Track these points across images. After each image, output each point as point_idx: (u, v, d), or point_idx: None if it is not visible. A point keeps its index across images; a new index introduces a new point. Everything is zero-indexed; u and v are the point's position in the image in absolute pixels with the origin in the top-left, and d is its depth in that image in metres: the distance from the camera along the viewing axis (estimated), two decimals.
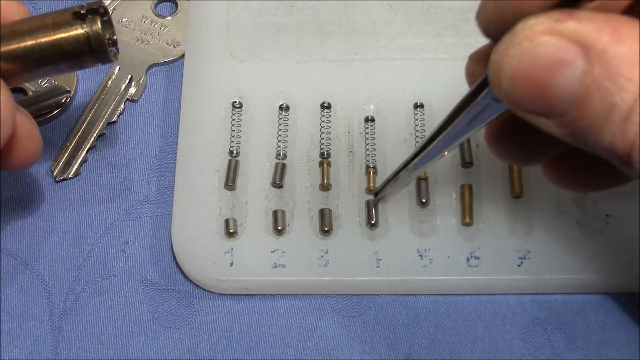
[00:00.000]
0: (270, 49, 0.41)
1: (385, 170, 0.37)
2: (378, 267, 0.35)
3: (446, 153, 0.30)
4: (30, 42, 0.29)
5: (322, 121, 0.38)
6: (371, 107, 0.39)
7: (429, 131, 0.38)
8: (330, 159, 0.37)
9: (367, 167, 0.37)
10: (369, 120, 0.39)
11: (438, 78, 0.39)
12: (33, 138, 0.31)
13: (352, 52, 0.40)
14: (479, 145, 0.38)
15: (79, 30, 0.29)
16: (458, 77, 0.38)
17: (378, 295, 0.35)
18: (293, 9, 0.42)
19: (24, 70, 0.30)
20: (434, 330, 0.35)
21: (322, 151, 0.38)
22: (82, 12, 0.29)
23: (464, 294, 0.35)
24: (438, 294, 0.35)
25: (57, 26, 0.29)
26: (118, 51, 0.31)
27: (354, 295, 0.36)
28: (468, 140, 0.38)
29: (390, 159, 0.37)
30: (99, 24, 0.29)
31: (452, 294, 0.35)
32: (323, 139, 0.38)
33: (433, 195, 0.36)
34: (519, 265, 0.35)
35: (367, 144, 0.38)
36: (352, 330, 0.35)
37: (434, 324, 0.35)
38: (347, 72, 0.39)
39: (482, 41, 0.40)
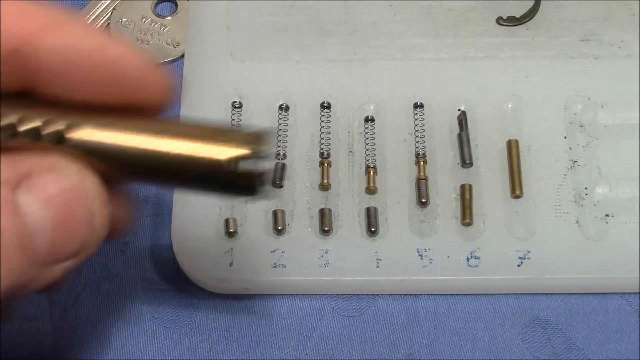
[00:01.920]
0: (270, 49, 0.41)
1: (385, 170, 0.38)
2: (378, 267, 0.35)
3: None
4: (171, 152, 0.23)
5: (322, 121, 0.38)
6: (371, 107, 0.39)
7: (429, 131, 0.38)
8: (330, 159, 0.37)
9: (367, 167, 0.37)
10: (369, 120, 0.38)
11: (438, 78, 0.39)
12: (126, 223, 0.26)
13: (352, 52, 0.40)
14: (478, 145, 0.38)
15: (233, 167, 0.23)
16: (458, 77, 0.40)
17: (378, 295, 0.35)
18: (293, 9, 0.42)
19: (143, 178, 0.25)
20: (434, 330, 0.35)
21: (322, 151, 0.38)
22: (244, 152, 0.23)
23: (464, 294, 0.35)
24: (438, 294, 0.35)
25: (208, 148, 0.23)
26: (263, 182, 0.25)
27: (353, 295, 0.35)
28: (468, 141, 0.38)
29: (390, 158, 0.38)
30: (260, 169, 0.24)
31: (452, 294, 0.35)
32: (323, 139, 0.38)
33: (433, 195, 0.36)
34: (519, 265, 0.35)
35: (367, 144, 0.38)
36: (352, 330, 0.35)
37: (434, 324, 0.35)
38: (347, 72, 0.39)
39: (481, 41, 0.41)
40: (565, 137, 0.38)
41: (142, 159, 0.23)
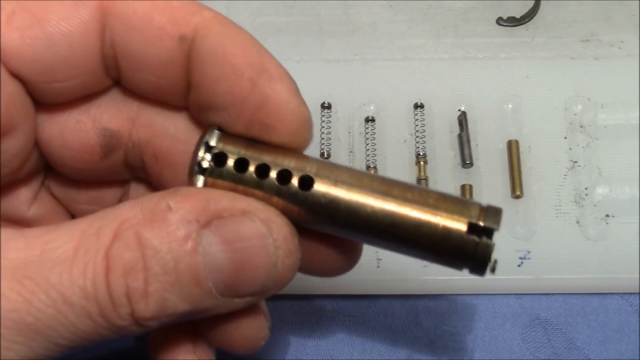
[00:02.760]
0: (270, 49, 0.40)
1: (386, 170, 0.37)
2: (378, 267, 0.35)
3: None
4: (412, 216, 0.23)
5: (323, 121, 0.39)
6: (371, 107, 0.39)
7: (429, 131, 0.38)
8: (330, 159, 0.38)
9: (368, 166, 0.37)
10: (369, 120, 0.39)
11: (438, 78, 0.40)
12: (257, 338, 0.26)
13: (353, 53, 0.40)
14: (478, 146, 0.38)
15: (469, 238, 0.23)
16: (458, 77, 0.40)
17: (378, 295, 0.35)
18: (293, 9, 0.42)
19: (368, 237, 0.24)
20: (434, 330, 0.35)
21: (322, 151, 0.38)
22: (480, 224, 0.23)
23: (464, 294, 0.36)
24: (438, 294, 0.36)
25: (440, 213, 0.23)
26: (495, 267, 0.24)
27: (354, 295, 0.35)
28: (468, 141, 0.38)
29: (391, 158, 0.38)
30: (492, 244, 0.23)
31: (452, 294, 0.36)
32: (323, 139, 0.38)
33: None
34: (519, 266, 0.35)
35: (368, 144, 0.38)
36: (353, 330, 0.35)
37: (434, 324, 0.35)
38: (347, 73, 0.40)
39: (481, 41, 0.41)
40: (565, 138, 0.38)
41: (378, 220, 0.23)
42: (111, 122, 0.25)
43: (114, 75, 0.25)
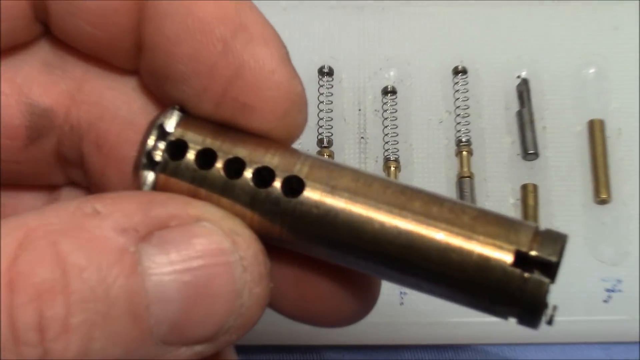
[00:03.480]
0: None
1: (412, 164, 0.34)
2: (402, 304, 0.32)
3: None
4: (420, 233, 0.20)
5: (321, 94, 0.35)
6: (391, 73, 0.36)
7: (475, 108, 0.34)
8: (332, 149, 0.34)
9: (387, 159, 0.34)
10: (389, 92, 0.36)
11: (487, 31, 0.36)
12: None
13: None
14: (547, 128, 0.34)
15: (515, 272, 0.20)
16: (516, 30, 0.35)
17: (402, 345, 0.32)
18: None
19: (375, 264, 0.21)
20: None
21: (320, 137, 0.35)
22: (531, 254, 0.20)
23: (525, 344, 0.32)
24: (487, 344, 0.32)
25: (476, 237, 0.20)
26: (553, 317, 0.21)
27: (368, 346, 0.32)
28: (532, 121, 0.34)
29: (419, 147, 0.34)
30: (547, 283, 0.19)
31: (508, 344, 0.32)
32: (322, 118, 0.34)
33: (480, 199, 0.33)
34: (605, 301, 0.32)
35: (386, 127, 0.34)
36: None
37: None
38: (357, 23, 0.36)
39: None
40: None
41: (389, 242, 0.20)
42: (43, 95, 0.23)
43: (43, 18, 0.22)
